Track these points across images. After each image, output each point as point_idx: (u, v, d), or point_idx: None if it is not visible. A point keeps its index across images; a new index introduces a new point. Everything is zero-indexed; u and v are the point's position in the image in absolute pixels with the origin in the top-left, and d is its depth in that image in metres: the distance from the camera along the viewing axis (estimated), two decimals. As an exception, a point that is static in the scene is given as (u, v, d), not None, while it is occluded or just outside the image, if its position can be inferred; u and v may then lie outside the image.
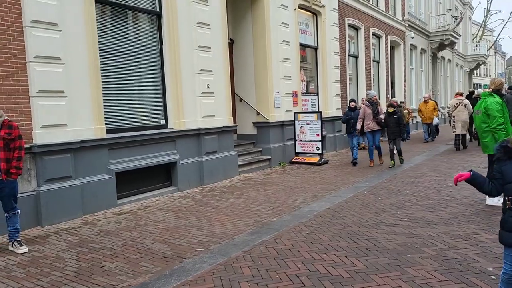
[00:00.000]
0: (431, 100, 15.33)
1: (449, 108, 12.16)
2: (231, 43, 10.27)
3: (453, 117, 11.73)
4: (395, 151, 9.44)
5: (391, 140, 9.34)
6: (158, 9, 7.46)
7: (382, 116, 9.52)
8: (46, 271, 3.93)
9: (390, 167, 9.21)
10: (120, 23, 6.98)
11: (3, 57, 5.15)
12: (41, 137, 5.45)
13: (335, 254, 4.04)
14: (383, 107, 11.00)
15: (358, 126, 9.83)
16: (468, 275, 3.44)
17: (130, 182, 6.75)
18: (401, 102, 15.51)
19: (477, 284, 3.27)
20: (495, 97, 5.76)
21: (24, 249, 4.54)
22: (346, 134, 10.70)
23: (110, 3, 6.70)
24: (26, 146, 5.33)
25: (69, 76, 5.78)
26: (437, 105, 15.84)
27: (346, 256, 3.98)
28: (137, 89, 7.24)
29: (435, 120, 15.16)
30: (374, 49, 16.90)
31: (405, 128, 9.90)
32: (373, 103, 9.69)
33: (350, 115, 10.42)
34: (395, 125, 9.27)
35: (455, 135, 11.90)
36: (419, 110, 14.93)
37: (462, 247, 4.11)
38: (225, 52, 8.75)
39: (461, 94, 12.12)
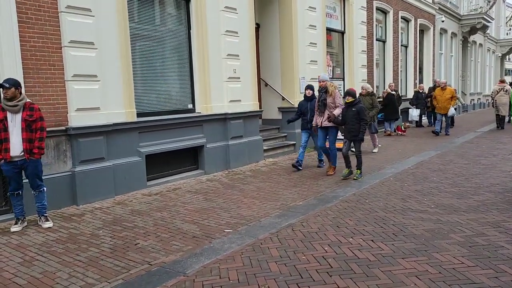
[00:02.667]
0: (449, 87, 13.40)
1: (493, 92, 14.58)
2: (258, 28, 10.25)
3: (495, 100, 14.12)
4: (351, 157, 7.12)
5: (346, 141, 7.04)
6: (186, -5, 7.51)
7: (337, 111, 7.14)
8: (84, 247, 4.15)
9: (343, 178, 6.89)
10: (149, 8, 7.08)
11: (40, 42, 5.35)
12: (75, 119, 5.67)
13: (361, 238, 4.10)
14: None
15: (316, 120, 7.46)
16: (496, 261, 3.44)
17: (159, 164, 6.95)
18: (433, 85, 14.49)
19: (505, 270, 3.26)
20: None
21: (49, 224, 4.86)
22: (301, 131, 8.16)
23: (140, -12, 6.80)
24: (62, 128, 5.58)
25: (101, 60, 5.95)
26: (456, 93, 14.02)
27: (372, 240, 4.03)
28: (166, 73, 7.37)
29: (451, 111, 12.80)
30: (402, 33, 16.49)
31: (367, 124, 7.32)
32: (321, 91, 7.33)
33: (305, 107, 7.88)
34: (353, 121, 6.80)
35: (496, 115, 14.28)
36: (434, 97, 13.13)
37: (490, 234, 4.08)
38: (251, 36, 8.76)
39: (503, 81, 14.40)
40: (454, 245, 3.83)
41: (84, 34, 5.70)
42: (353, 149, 7.09)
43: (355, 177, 6.83)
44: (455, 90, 14.48)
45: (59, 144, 5.59)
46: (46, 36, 5.42)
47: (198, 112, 7.67)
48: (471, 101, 25.36)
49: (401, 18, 16.03)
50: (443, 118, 12.87)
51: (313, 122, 7.51)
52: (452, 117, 13.95)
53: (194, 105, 7.72)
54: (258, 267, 3.52)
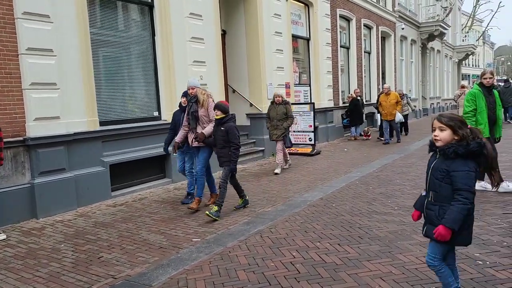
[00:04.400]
0: (394, 92, 12.73)
1: (455, 96, 16.31)
2: (224, 34, 10.26)
3: (458, 103, 14.97)
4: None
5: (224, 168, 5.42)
6: (150, 0, 7.42)
7: (208, 128, 5.54)
8: (44, 262, 3.98)
9: (236, 208, 5.60)
10: (111, 14, 6.94)
11: (-6, 49, 5.12)
12: (34, 129, 5.45)
13: (328, 242, 4.14)
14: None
15: (179, 137, 5.84)
16: (456, 261, 3.56)
17: (124, 174, 6.78)
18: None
19: (465, 269, 3.39)
20: (473, 89, 5.93)
21: (2, 236, 4.71)
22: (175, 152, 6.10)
23: (102, -6, 6.66)
24: (19, 139, 5.35)
25: (61, 68, 5.76)
26: (406, 97, 13.62)
27: (339, 244, 4.09)
28: (130, 81, 7.23)
29: (398, 116, 12.07)
30: (365, 40, 16.97)
31: (237, 149, 5.29)
32: (190, 100, 5.73)
33: (178, 119, 6.14)
34: (222, 143, 5.28)
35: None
36: (380, 104, 12.36)
37: (451, 234, 4.23)
38: (217, 43, 8.75)
39: (464, 87, 15.58)
40: (416, 246, 3.94)
41: (42, 41, 5.51)
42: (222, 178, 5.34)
43: (208, 213, 5.04)
44: (405, 94, 13.79)
45: (17, 155, 5.35)
46: (2, 43, 5.19)
47: (164, 120, 7.56)
48: (431, 105, 26.38)
49: (364, 25, 16.50)
50: (393, 125, 12.21)
51: (177, 138, 5.84)
52: (404, 123, 13.43)
53: (160, 113, 7.60)
54: (226, 276, 3.48)
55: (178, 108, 6.25)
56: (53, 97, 5.65)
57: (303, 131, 10.57)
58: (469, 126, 2.60)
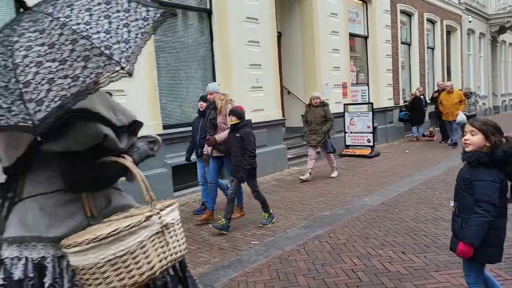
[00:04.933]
0: (457, 90, 11.60)
1: None
2: (279, 36, 10.26)
3: None
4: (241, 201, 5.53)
5: (233, 179, 5.19)
6: (208, 7, 7.61)
7: (223, 134, 5.18)
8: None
9: (261, 225, 5.03)
10: (173, 21, 7.20)
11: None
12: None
13: (391, 250, 3.98)
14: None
15: (207, 148, 5.38)
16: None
17: (185, 175, 7.01)
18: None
19: (548, 285, 3.09)
20: None
21: None
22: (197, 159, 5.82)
23: (163, 3, 6.93)
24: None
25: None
26: (474, 96, 12.08)
27: (403, 252, 3.91)
28: (189, 85, 7.46)
29: (460, 117, 10.58)
30: (428, 35, 16.15)
31: (251, 157, 4.87)
32: (209, 106, 5.44)
33: (195, 126, 5.72)
34: (238, 150, 4.91)
35: None
36: (440, 103, 11.39)
37: (530, 245, 3.89)
38: (273, 45, 8.77)
39: None
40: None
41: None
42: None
43: (261, 224, 4.99)
44: (471, 92, 12.22)
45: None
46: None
47: (222, 122, 7.70)
48: (502, 102, 24.51)
49: (427, 19, 15.71)
50: (453, 126, 11.08)
51: (204, 149, 5.44)
52: (463, 125, 11.98)
53: (218, 116, 7.76)
54: (286, 281, 3.47)
55: (198, 115, 5.74)
56: (122, 103, 5.96)
57: (361, 132, 10.27)
58: (505, 134, 2.38)
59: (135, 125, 1.75)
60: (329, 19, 10.29)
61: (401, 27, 14.10)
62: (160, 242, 1.48)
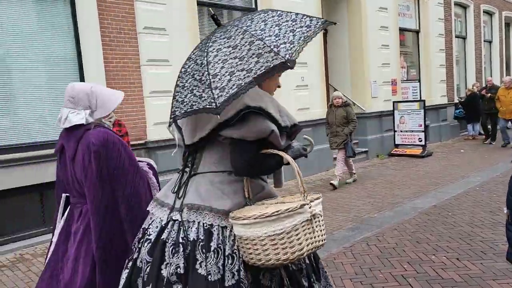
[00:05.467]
0: None
1: None
2: (325, 33, 10.10)
3: None
4: None
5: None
6: (253, 6, 7.64)
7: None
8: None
9: None
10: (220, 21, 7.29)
11: (121, 62, 5.76)
12: (153, 133, 6.00)
13: (445, 256, 3.79)
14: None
15: None
16: None
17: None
18: None
19: None
20: None
21: None
22: None
23: (210, 4, 7.05)
24: (141, 142, 5.93)
25: (175, 77, 6.23)
26: None
27: (457, 259, 3.71)
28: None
29: None
30: (485, 28, 15.21)
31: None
32: None
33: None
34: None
35: None
36: (497, 99, 10.64)
37: None
38: (319, 43, 8.64)
39: None
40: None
41: (159, 53, 6.04)
42: None
43: None
44: None
45: (139, 156, 5.94)
46: (127, 56, 5.82)
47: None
48: None
49: (483, 11, 14.80)
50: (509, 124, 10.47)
51: None
52: None
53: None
54: (333, 284, 3.40)
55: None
56: (168, 104, 6.14)
57: (412, 131, 9.87)
58: None
59: (294, 128, 1.98)
60: (378, 14, 9.97)
61: (455, 20, 13.39)
62: (308, 228, 1.71)
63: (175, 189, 1.96)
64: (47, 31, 5.26)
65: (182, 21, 6.35)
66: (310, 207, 1.70)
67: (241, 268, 1.78)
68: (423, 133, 9.75)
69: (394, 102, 10.19)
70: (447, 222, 4.78)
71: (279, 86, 2.11)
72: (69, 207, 2.34)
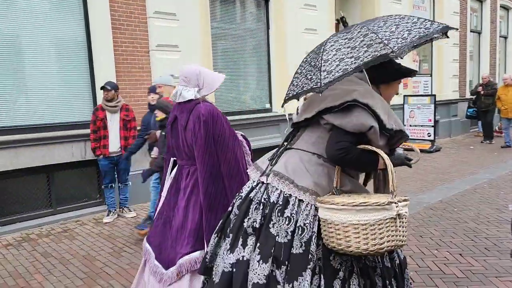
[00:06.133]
0: None
1: None
2: (338, 23, 9.97)
3: None
4: None
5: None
6: (265, -5, 7.56)
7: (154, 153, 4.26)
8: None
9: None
10: (230, 9, 7.24)
11: (130, 46, 5.75)
12: (161, 119, 6.00)
13: (448, 251, 3.77)
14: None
15: (155, 152, 4.29)
16: None
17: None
18: None
19: None
20: None
21: (132, 213, 5.31)
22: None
23: (222, -10, 6.99)
24: (149, 127, 5.94)
25: (184, 62, 6.21)
26: None
27: (460, 254, 3.69)
28: (245, 73, 7.49)
29: None
30: (501, 23, 14.88)
31: None
32: (160, 106, 3.91)
33: (146, 123, 4.76)
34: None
35: None
36: (498, 98, 10.25)
37: None
38: (331, 33, 8.52)
39: None
40: (561, 267, 3.35)
41: (169, 38, 6.01)
42: None
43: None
44: None
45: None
46: (136, 41, 5.80)
47: (275, 112, 7.69)
48: None
49: (500, 6, 14.47)
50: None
51: (153, 152, 4.37)
52: None
53: (271, 105, 7.75)
54: None
55: (148, 110, 4.94)
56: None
57: (421, 126, 9.77)
58: None
59: (400, 135, 2.01)
60: (392, 6, 9.80)
61: (471, 14, 13.11)
62: (392, 226, 1.75)
63: (271, 158, 2.17)
64: (57, 13, 5.26)
65: (193, 7, 6.30)
66: (397, 207, 1.75)
67: (313, 242, 1.87)
68: (433, 128, 9.64)
69: (404, 96, 10.07)
70: (452, 217, 4.74)
71: (397, 93, 2.24)
72: (176, 168, 2.81)
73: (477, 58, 13.97)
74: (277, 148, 2.22)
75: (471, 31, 13.18)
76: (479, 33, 13.83)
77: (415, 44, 1.84)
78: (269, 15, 7.58)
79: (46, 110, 5.24)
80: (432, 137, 9.64)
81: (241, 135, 2.89)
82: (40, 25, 5.13)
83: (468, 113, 12.20)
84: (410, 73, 2.14)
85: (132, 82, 5.80)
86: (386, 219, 1.73)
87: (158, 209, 2.91)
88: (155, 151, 4.27)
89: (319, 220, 1.90)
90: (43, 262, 3.91)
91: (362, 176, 2.27)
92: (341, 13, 2.34)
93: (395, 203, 1.75)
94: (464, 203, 5.30)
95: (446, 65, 11.78)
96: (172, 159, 2.89)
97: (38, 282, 3.50)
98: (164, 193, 2.88)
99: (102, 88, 4.99)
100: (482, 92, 10.57)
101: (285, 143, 2.19)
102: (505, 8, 14.98)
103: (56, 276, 3.60)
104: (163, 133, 3.82)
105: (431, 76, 11.77)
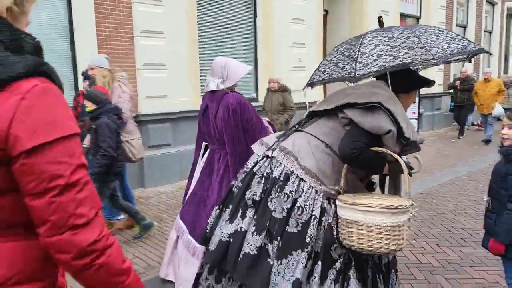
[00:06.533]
0: (496, 78, 10.20)
1: None
2: (326, 14, 9.96)
3: None
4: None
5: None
6: (253, -12, 7.49)
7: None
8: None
9: (134, 238, 4.10)
10: (217, -3, 7.17)
11: (114, 31, 5.65)
12: (145, 107, 5.95)
13: (425, 241, 3.86)
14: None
15: (86, 141, 3.96)
16: None
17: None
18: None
19: None
20: None
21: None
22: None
23: (209, -23, 6.90)
24: (133, 114, 5.88)
25: (169, 49, 6.15)
26: None
27: (437, 245, 3.78)
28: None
29: (498, 110, 9.02)
30: (486, 18, 15.08)
31: (107, 157, 3.49)
32: (90, 84, 4.21)
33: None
34: (95, 148, 3.64)
35: None
36: (475, 93, 10.04)
37: None
38: (319, 24, 8.54)
39: None
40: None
41: (154, 24, 5.92)
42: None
43: (135, 237, 4.10)
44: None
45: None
46: (120, 26, 5.70)
47: (260, 101, 7.67)
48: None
49: (486, 1, 14.65)
50: (489, 120, 9.68)
51: (85, 140, 4.02)
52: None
53: (257, 94, 7.74)
54: None
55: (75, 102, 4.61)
56: (161, 77, 6.09)
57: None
58: None
59: (414, 146, 2.03)
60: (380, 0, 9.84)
61: (457, 8, 13.25)
62: (406, 227, 1.82)
63: (279, 136, 2.21)
64: (39, -5, 5.13)
65: (178, -7, 6.21)
66: (412, 209, 1.82)
67: (312, 226, 1.89)
68: (416, 121, 9.75)
69: (389, 88, 10.15)
70: (431, 209, 4.85)
71: (414, 102, 2.33)
72: (208, 152, 3.05)
73: (462, 52, 14.14)
74: (288, 129, 2.26)
75: (456, 25, 13.32)
76: (465, 27, 13.99)
77: (452, 58, 1.92)
78: (256, 4, 7.52)
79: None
80: (415, 130, 9.76)
81: (267, 121, 3.10)
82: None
83: (451, 107, 12.38)
84: (429, 83, 2.19)
85: (116, 69, 5.70)
86: (405, 220, 1.80)
87: (190, 190, 3.13)
88: (86, 140, 3.94)
89: (323, 210, 1.93)
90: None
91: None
92: (379, 14, 2.55)
93: (411, 205, 1.83)
94: (443, 195, 5.42)
95: (431, 59, 11.89)
96: (204, 144, 3.15)
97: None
98: (196, 175, 3.11)
99: (83, 74, 4.89)
100: (459, 87, 10.53)
101: (297, 126, 2.21)
102: (490, 3, 15.17)
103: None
104: (93, 126, 3.64)
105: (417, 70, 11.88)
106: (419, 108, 9.78)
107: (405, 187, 1.87)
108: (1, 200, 0.96)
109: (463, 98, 10.50)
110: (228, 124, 2.79)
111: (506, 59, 16.93)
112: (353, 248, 1.84)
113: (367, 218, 1.78)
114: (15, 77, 0.93)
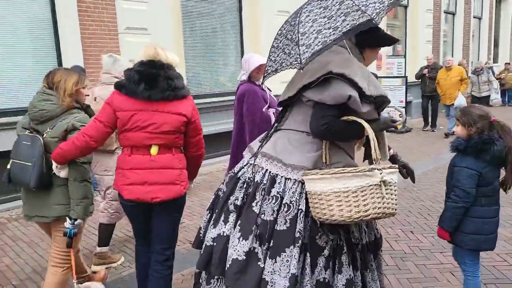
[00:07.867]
0: (457, 66, 9.46)
1: None
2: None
3: None
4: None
5: None
6: (238, -26, 7.52)
7: None
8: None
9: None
10: (201, -9, 7.20)
11: (98, 29, 5.71)
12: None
13: (400, 229, 4.01)
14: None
15: None
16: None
17: (212, 145, 7.18)
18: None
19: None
20: None
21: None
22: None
23: (192, -29, 6.92)
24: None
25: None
26: (487, 73, 11.03)
27: (412, 232, 3.93)
28: (217, 55, 7.51)
29: (460, 100, 8.67)
30: (476, 3, 15.11)
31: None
32: None
33: None
34: None
35: None
36: (437, 83, 9.26)
37: (547, 232, 3.78)
38: (304, 15, 8.57)
39: None
40: (500, 241, 3.60)
41: (138, 21, 5.97)
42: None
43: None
44: (484, 68, 11.15)
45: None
46: (104, 23, 5.75)
47: (248, 94, 7.76)
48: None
49: (475, -13, 14.67)
50: (451, 112, 8.99)
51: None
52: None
53: (244, 87, 7.81)
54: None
55: None
56: (147, 73, 6.14)
57: (393, 106, 9.97)
58: (493, 119, 2.33)
59: (382, 99, 1.99)
60: (366, -13, 9.86)
61: (446, -5, 13.28)
62: (377, 193, 1.74)
63: (262, 139, 2.25)
64: (21, -5, 5.17)
65: (161, -11, 6.25)
66: (381, 173, 1.73)
67: (299, 220, 1.92)
68: (404, 109, 9.88)
69: (377, 77, 10.24)
70: (410, 196, 4.99)
71: (375, 58, 2.31)
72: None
73: (451, 39, 14.21)
74: (269, 130, 2.28)
75: (445, 12, 13.36)
76: (453, 14, 14.03)
77: (387, 11, 1.84)
78: (241, -3, 7.56)
79: (9, 94, 5.19)
80: (403, 118, 9.86)
81: (273, 113, 3.48)
82: (2, 5, 5.04)
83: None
84: (394, 41, 2.18)
85: (100, 66, 5.75)
86: (370, 185, 1.71)
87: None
88: None
89: (306, 198, 1.93)
90: (11, 245, 3.99)
91: (362, 152, 2.35)
92: None
93: (379, 169, 1.74)
94: (424, 183, 5.56)
95: (420, 47, 11.98)
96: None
97: (6, 265, 3.59)
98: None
99: None
100: (427, 75, 9.65)
101: (276, 124, 2.23)
102: (479, -11, 15.19)
103: (23, 258, 3.69)
104: None
105: (404, 57, 11.95)
106: (406, 96, 9.90)
107: (374, 150, 1.82)
108: (180, 136, 2.38)
109: (432, 87, 9.56)
110: (235, 112, 3.54)
111: (496, 45, 17.00)
112: (320, 220, 1.85)
113: (315, 186, 1.79)
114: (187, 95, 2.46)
